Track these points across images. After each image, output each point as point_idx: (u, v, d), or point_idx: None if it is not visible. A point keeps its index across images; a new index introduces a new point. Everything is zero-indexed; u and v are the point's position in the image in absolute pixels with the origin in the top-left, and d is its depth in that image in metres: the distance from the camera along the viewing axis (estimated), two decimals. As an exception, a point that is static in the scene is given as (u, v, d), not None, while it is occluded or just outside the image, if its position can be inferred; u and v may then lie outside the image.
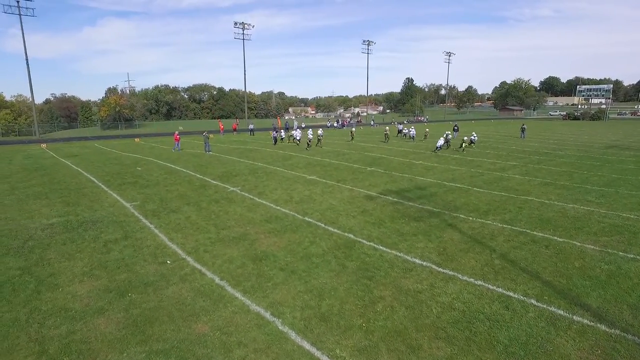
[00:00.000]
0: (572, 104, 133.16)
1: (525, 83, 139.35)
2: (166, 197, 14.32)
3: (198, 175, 18.65)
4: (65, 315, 6.47)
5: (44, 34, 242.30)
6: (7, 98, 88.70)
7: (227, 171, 19.87)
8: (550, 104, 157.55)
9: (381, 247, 9.38)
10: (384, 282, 7.62)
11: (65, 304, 6.84)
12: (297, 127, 54.75)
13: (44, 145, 36.30)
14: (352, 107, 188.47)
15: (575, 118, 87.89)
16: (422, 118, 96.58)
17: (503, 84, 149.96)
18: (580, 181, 17.16)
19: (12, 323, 6.23)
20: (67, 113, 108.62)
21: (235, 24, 61.63)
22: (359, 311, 6.57)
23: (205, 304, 6.79)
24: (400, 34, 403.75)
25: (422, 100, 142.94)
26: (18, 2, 42.78)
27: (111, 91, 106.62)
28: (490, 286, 7.42)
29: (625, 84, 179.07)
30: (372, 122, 71.82)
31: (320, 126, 60.69)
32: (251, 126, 49.73)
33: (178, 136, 30.58)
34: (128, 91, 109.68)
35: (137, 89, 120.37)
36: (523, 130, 39.80)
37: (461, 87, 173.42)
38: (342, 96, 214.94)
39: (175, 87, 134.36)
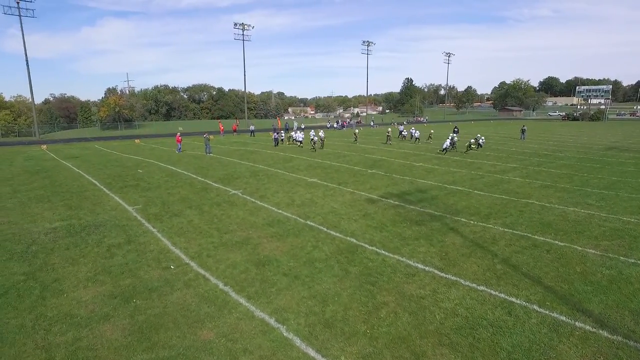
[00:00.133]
0: (572, 105, 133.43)
1: (525, 83, 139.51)
2: (168, 201, 14.35)
3: (199, 178, 18.68)
4: (71, 321, 6.50)
5: (42, 33, 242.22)
6: (6, 98, 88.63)
7: (228, 174, 19.91)
8: (550, 104, 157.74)
9: (383, 252, 9.42)
10: (387, 287, 7.67)
11: (70, 310, 6.87)
12: (297, 128, 54.83)
13: (44, 147, 36.30)
14: (352, 107, 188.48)
15: (575, 119, 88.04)
16: (422, 119, 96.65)
17: (502, 84, 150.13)
18: (581, 184, 17.22)
19: (19, 330, 6.27)
20: (66, 113, 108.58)
21: (235, 24, 61.70)
22: (362, 317, 6.62)
23: (210, 310, 6.83)
24: (399, 34, 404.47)
25: (421, 100, 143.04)
26: (18, 3, 42.76)
27: (111, 91, 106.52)
28: (492, 292, 7.47)
29: (624, 84, 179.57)
30: (371, 123, 71.89)
31: (320, 127, 60.76)
32: (252, 127, 49.79)
33: (180, 137, 30.60)
34: (127, 91, 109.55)
35: (137, 89, 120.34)
36: (523, 131, 39.89)
37: (460, 87, 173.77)
38: (342, 96, 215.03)
39: (175, 87, 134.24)
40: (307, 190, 16.00)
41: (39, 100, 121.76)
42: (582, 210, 12.89)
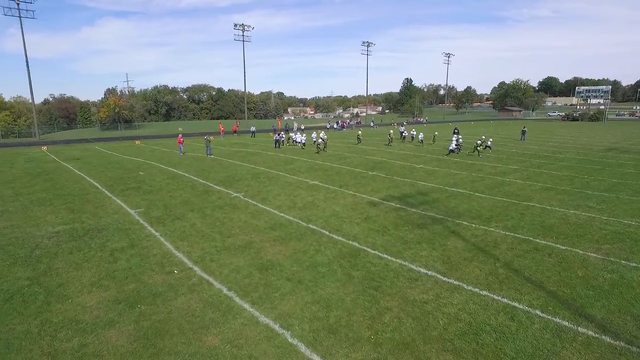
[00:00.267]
0: (571, 105, 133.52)
1: (524, 84, 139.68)
2: (170, 204, 14.38)
3: (201, 180, 18.72)
4: (77, 327, 6.53)
5: (41, 33, 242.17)
6: (6, 99, 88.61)
7: (229, 176, 19.94)
8: (549, 104, 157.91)
9: (386, 256, 9.46)
10: (390, 292, 7.70)
11: (75, 315, 6.90)
12: (297, 129, 54.85)
13: (44, 148, 36.29)
14: (351, 107, 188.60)
15: (574, 119, 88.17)
16: (422, 119, 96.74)
17: (502, 84, 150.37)
18: (581, 186, 17.27)
19: (25, 336, 6.30)
20: (65, 114, 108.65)
21: (235, 25, 61.75)
22: (366, 323, 6.65)
23: (215, 316, 6.87)
24: (399, 34, 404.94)
25: (420, 100, 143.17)
26: (18, 4, 42.76)
27: (110, 92, 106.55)
28: (495, 296, 7.51)
29: (624, 84, 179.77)
30: (371, 124, 71.92)
31: (320, 127, 60.78)
32: (252, 128, 49.85)
33: (181, 139, 30.61)
34: (127, 92, 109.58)
35: (136, 89, 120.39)
36: (524, 132, 39.90)
37: (460, 87, 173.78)
38: (341, 96, 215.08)
39: (174, 87, 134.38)
40: (308, 193, 16.03)
41: (38, 100, 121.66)
42: (583, 213, 12.94)
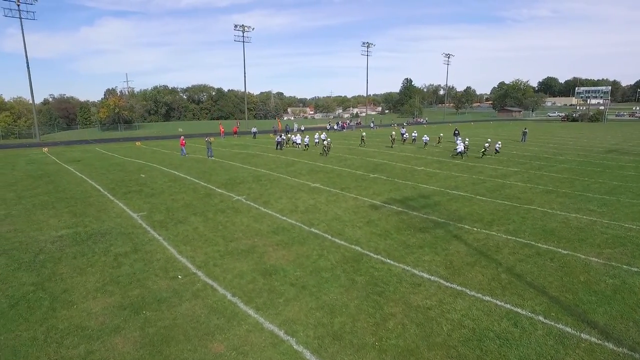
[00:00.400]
0: (571, 105, 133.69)
1: (524, 84, 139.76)
2: (172, 207, 14.41)
3: (202, 183, 18.75)
4: (83, 334, 6.57)
5: (41, 33, 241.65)
6: (6, 99, 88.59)
7: (230, 178, 19.98)
8: (549, 104, 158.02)
9: (389, 261, 9.50)
10: (393, 298, 7.75)
11: (81, 322, 6.94)
12: (297, 130, 54.90)
13: (45, 149, 36.31)
14: (351, 108, 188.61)
15: (574, 120, 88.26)
16: (422, 120, 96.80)
17: (501, 84, 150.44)
18: (582, 189, 17.32)
19: (31, 342, 6.33)
20: (65, 114, 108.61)
21: (236, 26, 61.71)
22: (370, 329, 6.69)
23: (220, 322, 6.90)
24: (399, 34, 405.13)
25: (420, 101, 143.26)
26: (19, 5, 42.75)
27: (110, 92, 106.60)
28: (498, 302, 7.55)
29: (623, 84, 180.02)
30: (371, 124, 71.95)
31: (320, 128, 60.79)
32: (254, 129, 49.90)
33: (184, 141, 30.62)
34: (127, 92, 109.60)
35: (136, 89, 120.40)
36: (524, 133, 39.86)
37: (459, 87, 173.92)
38: (341, 96, 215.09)
39: (174, 87, 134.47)
40: (310, 195, 16.07)
41: (38, 100, 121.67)
42: (584, 217, 12.98)
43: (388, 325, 6.78)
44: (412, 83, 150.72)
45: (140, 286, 8.28)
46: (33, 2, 43.53)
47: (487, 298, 7.70)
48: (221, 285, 8.28)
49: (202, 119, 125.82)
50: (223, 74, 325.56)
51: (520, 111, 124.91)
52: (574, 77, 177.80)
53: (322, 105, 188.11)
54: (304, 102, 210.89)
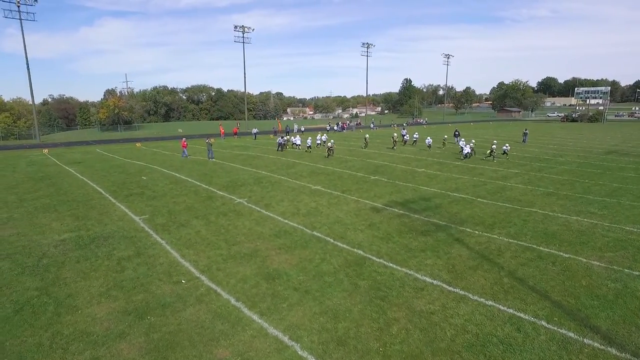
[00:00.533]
0: (570, 105, 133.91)
1: (523, 84, 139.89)
2: (174, 210, 14.44)
3: (204, 186, 18.77)
4: (88, 340, 6.59)
5: (40, 33, 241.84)
6: (5, 100, 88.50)
7: (232, 180, 20.00)
8: (548, 104, 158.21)
9: (391, 265, 9.54)
10: (396, 302, 7.78)
11: (86, 327, 6.96)
12: (297, 130, 54.94)
13: (45, 151, 36.30)
14: (351, 108, 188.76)
15: (573, 120, 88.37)
16: (421, 120, 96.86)
17: (501, 84, 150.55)
18: (582, 191, 17.37)
19: (37, 349, 6.36)
20: (65, 114, 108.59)
21: (236, 27, 61.73)
22: (374, 334, 6.73)
23: (224, 328, 6.93)
24: (398, 34, 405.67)
25: (420, 101, 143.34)
26: (19, 7, 42.74)
27: (110, 93, 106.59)
28: (501, 307, 7.58)
29: (622, 84, 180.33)
30: (371, 125, 71.97)
31: (320, 129, 60.83)
32: (255, 130, 49.91)
33: (185, 143, 30.60)
34: (126, 92, 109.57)
35: (135, 89, 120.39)
36: (525, 134, 39.81)
37: (458, 87, 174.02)
38: (340, 96, 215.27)
39: (174, 88, 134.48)
40: (311, 198, 16.10)
41: (37, 100, 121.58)
42: (585, 220, 13.03)
43: (392, 331, 6.81)
44: (412, 83, 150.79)
45: (144, 291, 8.30)
46: (33, 4, 43.54)
47: (490, 303, 7.74)
48: (225, 290, 8.31)
49: (202, 120, 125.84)
50: (222, 74, 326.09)
51: (519, 111, 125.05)
52: (573, 77, 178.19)
53: (322, 105, 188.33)
54: (303, 102, 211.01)
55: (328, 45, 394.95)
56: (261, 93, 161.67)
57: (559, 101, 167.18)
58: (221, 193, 17.17)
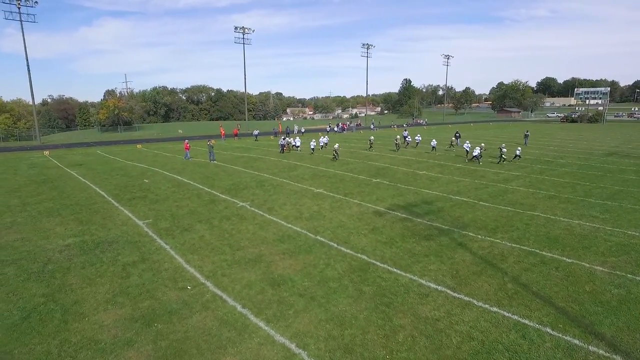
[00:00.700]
0: (569, 105, 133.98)
1: (523, 84, 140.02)
2: (177, 214, 14.47)
3: (206, 189, 18.80)
4: (96, 347, 6.63)
5: (39, 33, 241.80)
6: (4, 100, 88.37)
7: (234, 183, 20.03)
8: (547, 104, 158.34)
9: (395, 270, 9.58)
10: (402, 309, 7.82)
11: (93, 335, 7.00)
12: (298, 131, 54.95)
13: (46, 152, 36.29)
14: (350, 108, 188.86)
15: (573, 120, 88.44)
16: (421, 121, 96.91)
17: (500, 84, 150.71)
18: (584, 194, 17.42)
19: (45, 357, 6.39)
20: (64, 115, 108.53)
21: (236, 28, 61.74)
22: (381, 342, 6.77)
23: (231, 335, 6.97)
24: (397, 34, 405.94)
25: (419, 101, 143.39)
26: (19, 8, 42.73)
27: (110, 93, 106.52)
28: (505, 313, 7.63)
29: (622, 84, 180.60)
30: (371, 126, 71.99)
31: (320, 130, 60.88)
32: (256, 132, 49.91)
33: (188, 145, 30.61)
34: (126, 93, 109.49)
35: (135, 90, 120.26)
36: (526, 136, 39.76)
37: (458, 87, 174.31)
38: (340, 96, 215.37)
39: (173, 88, 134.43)
40: (314, 202, 16.14)
41: (36, 101, 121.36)
42: (587, 224, 13.08)
43: (398, 338, 6.85)
44: (411, 83, 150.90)
45: (150, 297, 8.34)
46: (33, 5, 43.53)
47: (495, 309, 7.78)
48: (230, 296, 8.35)
49: (202, 120, 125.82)
50: (222, 74, 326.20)
51: (519, 112, 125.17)
52: (573, 77, 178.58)
53: (321, 105, 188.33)
54: (303, 103, 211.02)
55: (327, 45, 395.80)
56: (260, 93, 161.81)
57: (559, 101, 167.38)
58: (224, 196, 17.20)
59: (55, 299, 8.29)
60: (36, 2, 43.45)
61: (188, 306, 7.97)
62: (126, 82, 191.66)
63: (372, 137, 36.32)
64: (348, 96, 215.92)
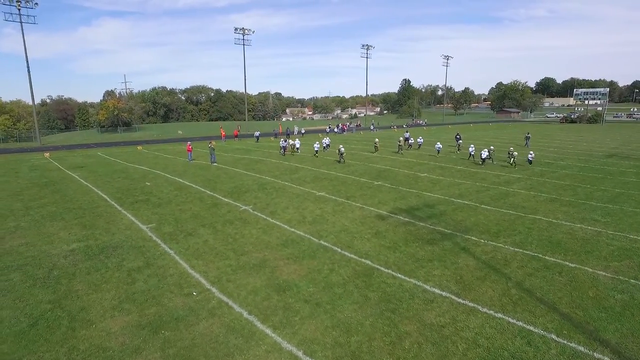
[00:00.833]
0: (569, 105, 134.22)
1: (522, 85, 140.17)
2: (181, 218, 14.50)
3: (208, 192, 18.83)
4: (104, 355, 6.66)
5: (38, 33, 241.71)
6: (4, 100, 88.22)
7: (236, 186, 20.06)
8: (547, 104, 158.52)
9: (400, 275, 9.63)
10: (407, 315, 7.87)
11: (101, 342, 7.03)
12: (298, 132, 54.98)
13: (47, 154, 36.26)
14: (350, 108, 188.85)
15: (572, 121, 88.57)
16: (421, 121, 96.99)
17: (499, 84, 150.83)
18: (585, 197, 17.49)
19: (54, 365, 6.42)
20: (64, 115, 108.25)
21: (236, 29, 61.71)
22: (387, 348, 6.81)
23: (238, 342, 7.01)
24: (396, 34, 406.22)
25: (419, 101, 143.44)
26: (19, 9, 42.69)
27: (109, 94, 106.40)
28: (510, 319, 7.68)
29: (620, 84, 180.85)
30: (371, 126, 72.05)
31: (320, 130, 60.91)
32: (257, 133, 49.89)
33: (191, 147, 30.62)
34: (126, 94, 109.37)
35: (134, 90, 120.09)
36: (527, 138, 39.70)
37: (457, 87, 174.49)
38: (339, 96, 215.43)
39: (173, 88, 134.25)
40: (316, 205, 16.18)
41: (36, 102, 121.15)
42: (589, 227, 13.14)
43: (404, 345, 6.90)
44: (411, 83, 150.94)
45: (157, 304, 8.37)
46: (33, 6, 43.49)
47: (500, 315, 7.83)
48: (236, 303, 8.39)
49: (201, 120, 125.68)
50: (221, 74, 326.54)
51: (518, 112, 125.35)
52: (572, 78, 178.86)
53: (321, 105, 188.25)
54: (302, 103, 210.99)
55: (326, 45, 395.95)
56: (260, 93, 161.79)
57: (557, 102, 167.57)
58: (226, 200, 17.23)
59: (62, 306, 8.32)
60: (36, 3, 43.47)
61: (194, 313, 8.01)
62: (125, 82, 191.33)
63: (377, 139, 36.17)
64: (347, 96, 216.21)
